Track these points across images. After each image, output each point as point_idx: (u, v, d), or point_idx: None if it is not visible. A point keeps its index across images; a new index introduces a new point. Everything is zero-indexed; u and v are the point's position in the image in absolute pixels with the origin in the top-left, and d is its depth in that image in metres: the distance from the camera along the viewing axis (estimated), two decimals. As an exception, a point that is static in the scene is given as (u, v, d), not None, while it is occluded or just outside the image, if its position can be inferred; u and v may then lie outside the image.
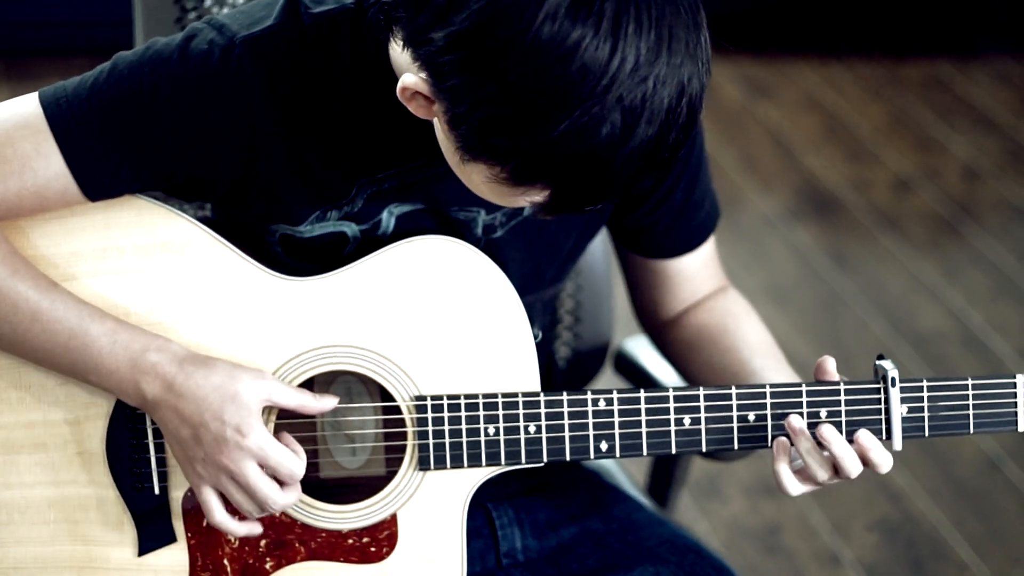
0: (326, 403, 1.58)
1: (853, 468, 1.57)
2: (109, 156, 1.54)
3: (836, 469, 1.57)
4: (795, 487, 1.58)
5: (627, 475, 2.08)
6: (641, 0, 1.36)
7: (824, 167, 4.19)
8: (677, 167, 1.72)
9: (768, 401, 1.60)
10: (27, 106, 1.55)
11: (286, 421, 1.62)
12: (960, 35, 4.83)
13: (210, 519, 1.58)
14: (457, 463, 1.60)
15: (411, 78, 1.43)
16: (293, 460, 1.55)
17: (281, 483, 1.56)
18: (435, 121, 1.48)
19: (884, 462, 1.57)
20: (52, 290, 1.56)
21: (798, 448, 1.57)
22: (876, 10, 4.80)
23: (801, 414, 1.59)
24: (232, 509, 1.59)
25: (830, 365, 1.62)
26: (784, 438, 1.59)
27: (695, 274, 1.81)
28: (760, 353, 1.74)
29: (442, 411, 1.59)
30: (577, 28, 1.34)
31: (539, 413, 1.59)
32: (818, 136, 4.35)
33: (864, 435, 1.57)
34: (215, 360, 1.56)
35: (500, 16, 1.35)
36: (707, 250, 1.82)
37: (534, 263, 1.70)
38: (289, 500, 1.57)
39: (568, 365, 2.09)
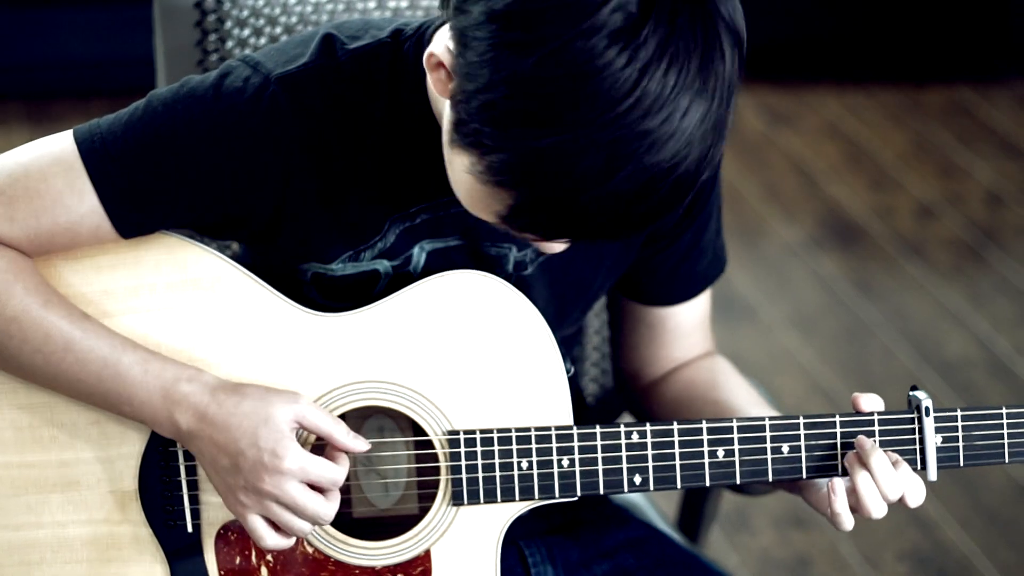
0: (358, 444, 1.57)
1: (917, 497, 1.57)
2: (142, 193, 1.54)
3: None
4: (851, 523, 1.58)
5: (658, 510, 2.07)
6: (685, 54, 1.35)
7: (847, 195, 4.19)
8: (695, 209, 1.71)
9: (802, 432, 1.60)
10: (62, 143, 1.55)
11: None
12: (980, 60, 4.83)
13: (262, 545, 1.57)
14: (490, 498, 1.59)
15: (440, 46, 1.43)
16: (333, 469, 1.54)
17: (323, 490, 1.56)
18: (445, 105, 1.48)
19: (918, 493, 1.58)
20: (84, 320, 1.56)
21: (873, 474, 1.56)
22: (896, 37, 4.80)
23: (835, 444, 1.59)
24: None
25: (864, 401, 1.61)
26: (836, 479, 1.58)
27: (688, 332, 1.80)
28: (754, 403, 1.73)
29: (475, 445, 1.59)
30: (610, 52, 1.33)
31: (572, 447, 1.59)
32: (840, 164, 4.34)
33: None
34: (247, 386, 1.56)
35: (544, 10, 1.34)
36: (703, 309, 1.80)
37: (559, 300, 1.70)
38: (335, 507, 1.56)
39: (597, 402, 2.08)
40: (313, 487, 1.55)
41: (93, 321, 1.57)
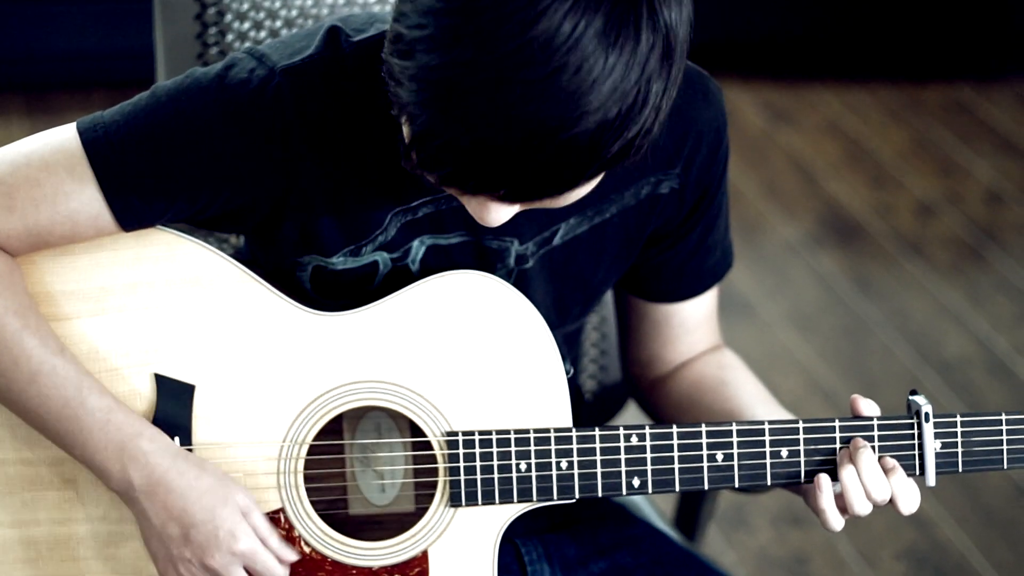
0: (286, 553, 1.57)
1: (909, 504, 1.57)
2: (144, 183, 1.53)
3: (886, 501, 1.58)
4: (840, 522, 1.58)
5: (655, 508, 2.07)
6: (589, 8, 1.31)
7: (847, 193, 4.18)
8: (702, 207, 1.70)
9: (801, 437, 1.60)
10: (64, 133, 1.55)
11: (316, 457, 1.61)
12: (981, 58, 4.82)
13: None
14: (488, 499, 1.59)
15: None
16: (279, 568, 1.56)
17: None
18: None
19: (911, 500, 1.58)
20: (57, 355, 1.55)
21: (858, 469, 1.56)
22: (896, 35, 4.80)
23: (834, 449, 1.59)
24: None
25: (864, 405, 1.61)
26: (824, 475, 1.58)
27: (695, 327, 1.79)
28: (761, 400, 1.73)
29: (473, 447, 1.59)
30: None
31: (571, 449, 1.59)
32: (840, 162, 4.34)
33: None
34: (206, 462, 1.56)
35: None
36: (709, 304, 1.80)
37: (560, 295, 1.70)
38: None
39: (595, 399, 2.08)
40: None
41: (68, 356, 1.56)
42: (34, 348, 1.54)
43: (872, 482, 1.56)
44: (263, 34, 1.95)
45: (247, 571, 1.56)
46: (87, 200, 1.54)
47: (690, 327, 1.79)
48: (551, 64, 1.31)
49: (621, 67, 1.33)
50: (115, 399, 1.56)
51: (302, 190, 1.56)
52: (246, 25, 1.95)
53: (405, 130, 1.41)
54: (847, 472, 1.57)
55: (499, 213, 1.44)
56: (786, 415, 1.70)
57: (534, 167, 1.35)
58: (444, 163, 1.38)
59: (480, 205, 1.44)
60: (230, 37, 1.95)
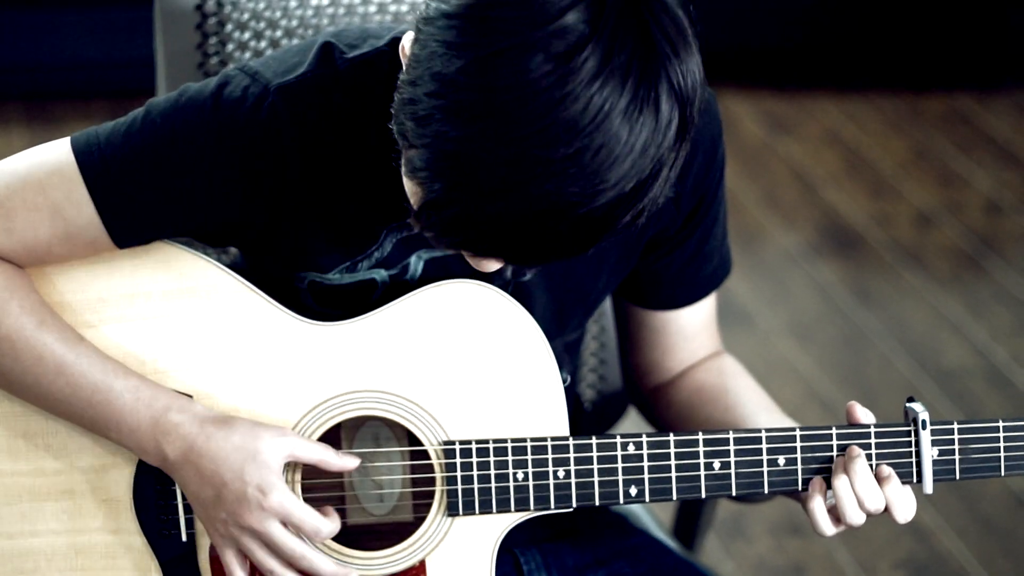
0: (347, 461, 1.56)
1: (905, 512, 1.57)
2: (140, 204, 1.54)
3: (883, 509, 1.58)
4: (829, 527, 1.58)
5: (653, 517, 2.07)
6: (613, 93, 1.32)
7: (846, 202, 4.19)
8: (699, 215, 1.71)
9: (798, 445, 1.60)
10: (59, 153, 1.55)
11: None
12: (981, 68, 4.83)
13: None
14: (486, 509, 1.59)
15: (410, 36, 1.42)
16: (316, 517, 1.54)
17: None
18: None
19: (906, 508, 1.58)
20: (78, 343, 1.56)
21: (851, 479, 1.57)
22: (896, 45, 4.80)
23: (831, 457, 1.59)
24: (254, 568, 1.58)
25: (860, 412, 1.61)
26: (819, 477, 1.58)
27: (694, 335, 1.79)
28: (764, 408, 1.73)
29: (471, 456, 1.59)
30: (537, 72, 1.31)
31: (568, 458, 1.59)
32: (840, 171, 4.34)
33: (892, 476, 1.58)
34: (236, 419, 1.55)
35: (489, 18, 1.33)
36: (708, 311, 1.80)
37: (559, 306, 1.70)
38: (316, 555, 1.55)
39: (594, 407, 2.08)
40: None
41: (87, 344, 1.57)
42: (55, 341, 1.55)
43: (865, 491, 1.56)
44: (264, 44, 1.96)
45: (286, 525, 1.54)
46: (85, 224, 1.54)
47: (689, 334, 1.79)
48: (574, 145, 1.32)
49: (641, 144, 1.34)
50: (139, 377, 1.57)
51: (296, 207, 1.56)
52: (247, 35, 1.95)
53: (413, 190, 1.41)
54: (840, 481, 1.57)
55: (498, 265, 1.47)
56: (788, 423, 1.70)
57: (547, 239, 1.37)
58: (456, 232, 1.39)
59: (481, 260, 1.45)
60: (231, 47, 1.95)
